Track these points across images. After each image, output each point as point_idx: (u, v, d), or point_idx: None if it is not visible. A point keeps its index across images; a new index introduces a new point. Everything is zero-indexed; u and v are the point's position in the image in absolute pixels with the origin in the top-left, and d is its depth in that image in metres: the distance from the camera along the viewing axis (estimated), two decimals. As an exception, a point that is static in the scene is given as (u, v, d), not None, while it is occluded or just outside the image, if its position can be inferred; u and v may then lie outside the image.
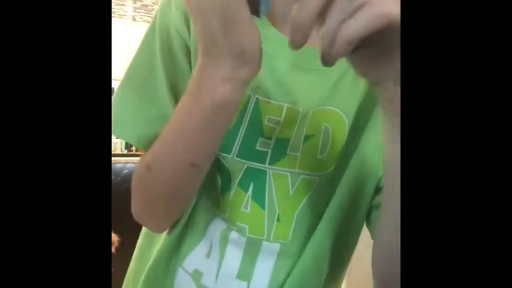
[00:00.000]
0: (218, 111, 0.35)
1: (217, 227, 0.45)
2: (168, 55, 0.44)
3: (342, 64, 0.37)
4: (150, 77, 0.43)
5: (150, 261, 0.47)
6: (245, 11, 0.31)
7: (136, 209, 0.46)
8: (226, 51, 0.32)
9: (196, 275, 0.45)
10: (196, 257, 0.46)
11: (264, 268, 0.44)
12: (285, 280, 0.44)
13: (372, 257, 0.39)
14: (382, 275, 0.38)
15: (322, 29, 0.27)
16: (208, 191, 0.45)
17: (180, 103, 0.39)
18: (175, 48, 0.43)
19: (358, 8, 0.26)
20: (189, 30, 0.43)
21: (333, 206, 0.43)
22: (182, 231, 0.46)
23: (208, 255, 0.45)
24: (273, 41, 0.43)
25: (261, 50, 0.33)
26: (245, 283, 0.44)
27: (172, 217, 0.46)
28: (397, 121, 0.29)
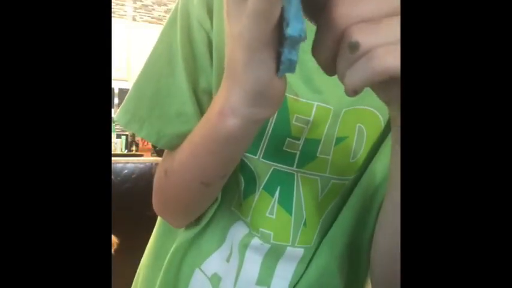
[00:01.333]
0: (225, 141, 0.33)
1: (239, 230, 0.44)
2: (189, 48, 0.41)
3: None
4: (169, 70, 0.41)
5: (168, 257, 0.46)
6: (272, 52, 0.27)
7: (156, 205, 0.45)
8: (243, 85, 0.29)
9: (215, 279, 0.44)
10: (216, 261, 0.45)
11: (284, 273, 0.43)
12: (300, 283, 0.43)
13: (371, 261, 0.39)
14: (379, 280, 0.38)
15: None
16: (233, 192, 0.44)
17: (202, 118, 0.37)
18: (197, 40, 0.41)
19: (359, 58, 0.25)
20: (211, 22, 0.40)
21: (350, 207, 0.41)
22: (202, 230, 0.45)
23: (228, 259, 0.44)
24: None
25: (283, 96, 0.30)
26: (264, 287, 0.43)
27: (189, 218, 0.45)
28: (397, 146, 0.29)
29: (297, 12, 0.25)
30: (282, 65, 0.27)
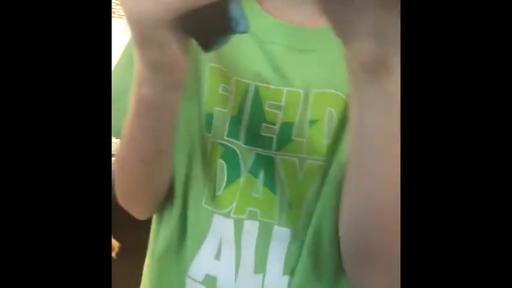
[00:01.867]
0: (147, 111, 0.36)
1: (221, 225, 0.44)
2: None
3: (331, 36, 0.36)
4: (126, 63, 0.46)
5: (154, 276, 0.47)
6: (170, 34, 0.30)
7: (118, 198, 0.46)
8: (141, 55, 0.32)
9: (209, 281, 0.44)
10: (203, 262, 0.45)
11: (277, 257, 0.43)
12: (296, 268, 0.43)
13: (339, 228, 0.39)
14: (347, 246, 0.38)
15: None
16: (200, 190, 0.45)
17: None
18: None
19: None
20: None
21: (330, 188, 0.42)
22: (178, 239, 0.45)
23: (218, 257, 0.44)
24: (264, 25, 0.42)
25: (184, 60, 0.32)
26: (261, 276, 0.43)
27: (143, 205, 0.46)
28: (368, 89, 0.27)
29: (242, 12, 0.30)
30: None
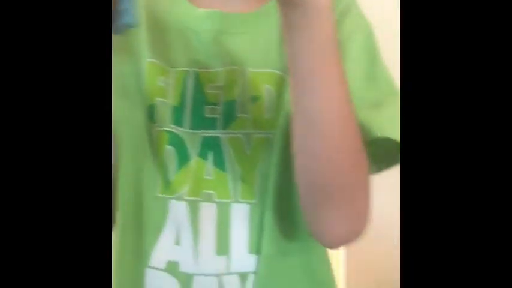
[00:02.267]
0: None
1: (177, 210, 0.44)
2: None
3: (273, 26, 0.38)
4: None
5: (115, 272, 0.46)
6: None
7: None
8: None
9: (172, 266, 0.44)
10: (163, 249, 0.44)
11: (240, 236, 0.43)
12: (260, 238, 0.43)
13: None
14: (301, 183, 0.38)
15: None
16: (154, 181, 0.45)
17: None
18: None
19: None
20: None
21: (279, 159, 0.43)
22: (135, 233, 0.45)
23: (178, 242, 0.44)
24: (194, 15, 0.45)
25: None
26: (225, 257, 0.43)
27: None
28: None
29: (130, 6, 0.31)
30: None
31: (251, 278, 0.42)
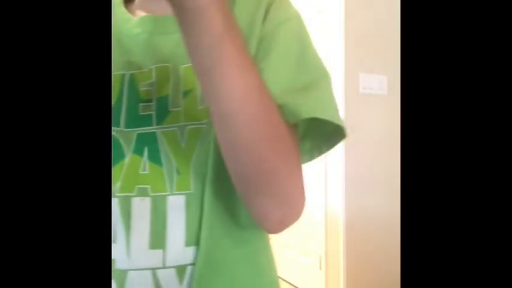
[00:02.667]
0: None
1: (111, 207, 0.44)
2: None
3: None
4: None
5: None
6: None
7: None
8: None
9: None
10: None
11: (177, 229, 0.43)
12: (198, 230, 0.43)
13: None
14: (230, 171, 0.39)
15: None
16: None
17: None
18: None
19: None
20: None
21: (215, 149, 0.43)
22: None
23: (114, 240, 0.44)
24: (130, 23, 0.47)
25: None
26: (160, 251, 0.43)
27: None
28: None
29: None
30: None
31: (189, 271, 0.42)
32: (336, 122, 0.39)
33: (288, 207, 0.39)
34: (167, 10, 0.45)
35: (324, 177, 2.02)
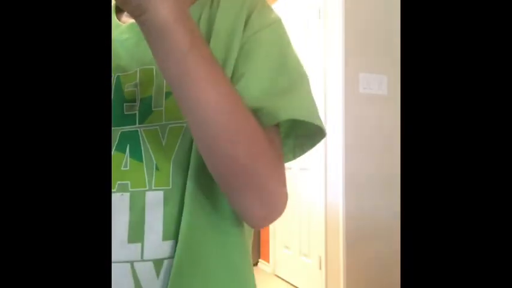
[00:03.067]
0: None
1: None
2: None
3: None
4: None
5: None
6: None
7: None
8: None
9: None
10: None
11: (154, 224, 0.44)
12: (176, 225, 0.44)
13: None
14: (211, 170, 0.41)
15: None
16: None
17: None
18: None
19: None
20: None
21: (195, 147, 0.45)
22: None
23: None
24: (121, 30, 0.50)
25: None
26: (138, 245, 0.44)
27: None
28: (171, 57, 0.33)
29: None
30: None
31: (165, 264, 0.43)
32: (315, 122, 0.41)
33: (270, 206, 0.41)
34: None
35: (323, 177, 2.02)
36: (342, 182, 1.89)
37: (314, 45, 2.15)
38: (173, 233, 0.44)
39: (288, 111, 0.40)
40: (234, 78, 0.43)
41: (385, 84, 1.99)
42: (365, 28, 1.97)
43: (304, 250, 2.23)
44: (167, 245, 0.43)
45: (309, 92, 0.44)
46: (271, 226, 2.58)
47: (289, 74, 0.44)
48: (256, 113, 0.39)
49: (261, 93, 0.40)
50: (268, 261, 2.59)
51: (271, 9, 0.48)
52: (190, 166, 0.44)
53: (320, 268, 2.05)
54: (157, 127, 0.46)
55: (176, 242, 0.43)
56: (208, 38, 0.45)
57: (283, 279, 2.37)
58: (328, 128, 1.96)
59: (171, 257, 0.42)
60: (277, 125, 0.41)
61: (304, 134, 0.45)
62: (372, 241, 1.92)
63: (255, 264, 2.71)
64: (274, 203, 0.41)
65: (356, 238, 1.89)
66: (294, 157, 0.48)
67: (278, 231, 2.53)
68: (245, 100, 0.38)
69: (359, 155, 1.92)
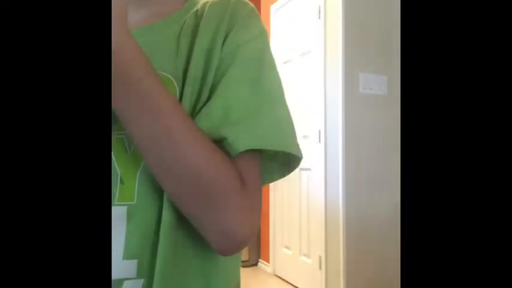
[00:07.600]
0: None
1: None
2: None
3: (164, 37, 0.44)
4: None
5: None
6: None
7: None
8: None
9: None
10: None
11: (116, 240, 0.40)
12: (139, 244, 0.41)
13: None
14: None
15: None
16: None
17: None
18: None
19: None
20: None
21: None
22: None
23: None
24: None
25: None
26: None
27: None
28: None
29: None
30: None
31: (126, 286, 0.39)
32: (278, 149, 0.40)
33: (227, 240, 0.38)
34: (140, 23, 0.48)
35: (323, 177, 2.02)
36: (342, 182, 1.89)
37: (314, 45, 2.15)
38: (137, 251, 0.40)
39: (248, 140, 0.38)
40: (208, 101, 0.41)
41: (385, 84, 1.99)
42: (365, 28, 1.97)
43: (304, 250, 2.23)
44: (128, 264, 0.40)
45: (280, 117, 0.41)
46: (271, 226, 2.58)
47: (264, 94, 0.42)
48: (221, 143, 0.38)
49: (223, 122, 0.39)
50: (268, 261, 2.59)
51: (256, 19, 0.46)
52: (153, 184, 0.41)
53: (320, 268, 2.05)
54: (124, 136, 0.42)
55: (138, 262, 0.39)
56: (190, 51, 0.43)
57: (283, 279, 2.37)
58: (328, 128, 1.96)
59: (133, 277, 0.39)
60: (254, 150, 0.39)
61: (284, 156, 0.43)
62: (371, 241, 1.92)
63: (255, 264, 2.71)
64: (231, 238, 0.38)
65: (356, 238, 1.89)
66: (283, 176, 0.46)
67: (278, 231, 2.53)
68: (206, 130, 0.37)
69: (359, 155, 1.92)
